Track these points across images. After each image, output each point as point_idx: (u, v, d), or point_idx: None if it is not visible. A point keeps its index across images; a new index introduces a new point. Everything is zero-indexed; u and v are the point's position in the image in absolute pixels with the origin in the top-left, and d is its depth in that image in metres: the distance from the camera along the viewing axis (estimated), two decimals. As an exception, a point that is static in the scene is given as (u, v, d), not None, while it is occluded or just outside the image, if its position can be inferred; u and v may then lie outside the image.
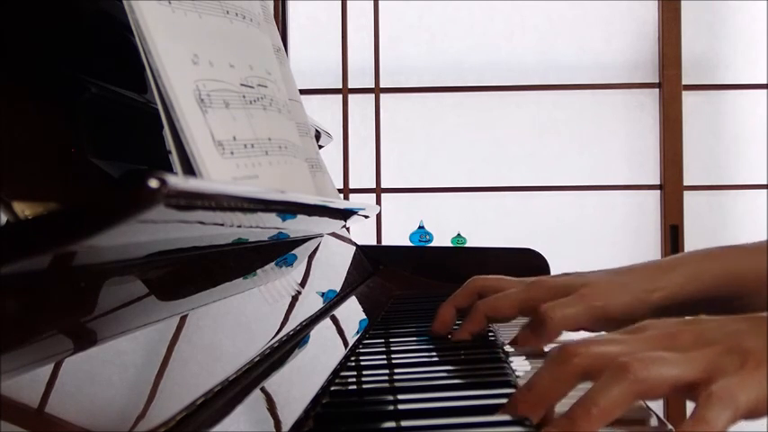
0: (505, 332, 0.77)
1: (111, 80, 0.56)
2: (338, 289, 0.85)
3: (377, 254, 1.22)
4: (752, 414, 0.41)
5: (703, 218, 2.47)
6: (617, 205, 2.49)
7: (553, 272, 1.10)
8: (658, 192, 2.48)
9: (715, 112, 2.49)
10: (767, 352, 0.42)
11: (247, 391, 0.44)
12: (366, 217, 0.93)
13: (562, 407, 0.44)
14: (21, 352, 0.31)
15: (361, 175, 2.47)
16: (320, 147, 1.11)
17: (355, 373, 0.61)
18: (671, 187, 2.44)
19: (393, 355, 0.68)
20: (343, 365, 0.61)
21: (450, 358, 0.65)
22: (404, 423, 0.46)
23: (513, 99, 2.51)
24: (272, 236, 0.63)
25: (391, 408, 0.51)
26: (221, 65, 0.53)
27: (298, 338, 0.60)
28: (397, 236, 2.38)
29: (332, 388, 0.54)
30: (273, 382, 0.49)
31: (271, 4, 2.40)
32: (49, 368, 0.31)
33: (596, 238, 2.47)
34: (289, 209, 0.52)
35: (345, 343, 0.69)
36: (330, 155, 2.07)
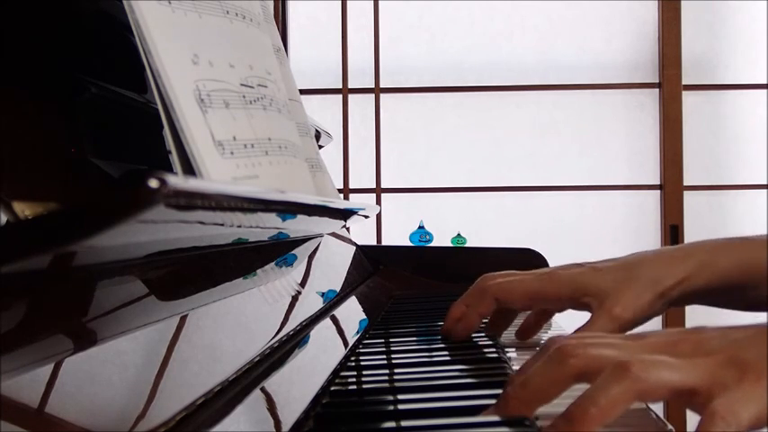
0: (505, 332, 0.77)
1: (111, 80, 0.56)
2: (338, 289, 0.85)
3: (377, 254, 1.22)
4: (753, 428, 0.41)
5: (703, 218, 2.47)
6: (617, 205, 2.50)
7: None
8: (658, 192, 2.48)
9: (715, 112, 2.49)
10: (765, 361, 0.42)
11: (247, 391, 0.44)
12: (366, 217, 0.93)
13: (562, 407, 0.43)
14: (21, 352, 0.31)
15: (361, 175, 2.47)
16: (320, 147, 1.11)
17: (355, 373, 0.61)
18: (671, 187, 2.44)
19: (393, 355, 0.68)
20: (343, 365, 0.61)
21: (449, 358, 0.65)
22: (404, 423, 0.46)
23: (513, 99, 2.51)
24: (272, 236, 0.63)
25: (391, 408, 0.51)
26: (221, 65, 0.53)
27: (298, 338, 0.60)
28: (397, 236, 2.38)
29: (332, 388, 0.54)
30: (273, 382, 0.49)
31: (271, 4, 2.40)
32: (49, 368, 0.31)
33: (596, 238, 2.47)
34: (289, 209, 0.52)
35: (345, 343, 0.69)
36: (330, 155, 2.07)
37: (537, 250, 1.18)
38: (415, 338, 0.78)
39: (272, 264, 0.68)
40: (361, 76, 2.47)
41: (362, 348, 0.70)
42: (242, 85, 0.55)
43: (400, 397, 0.53)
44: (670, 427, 0.49)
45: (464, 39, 2.50)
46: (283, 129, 0.61)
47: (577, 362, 0.44)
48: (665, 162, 2.44)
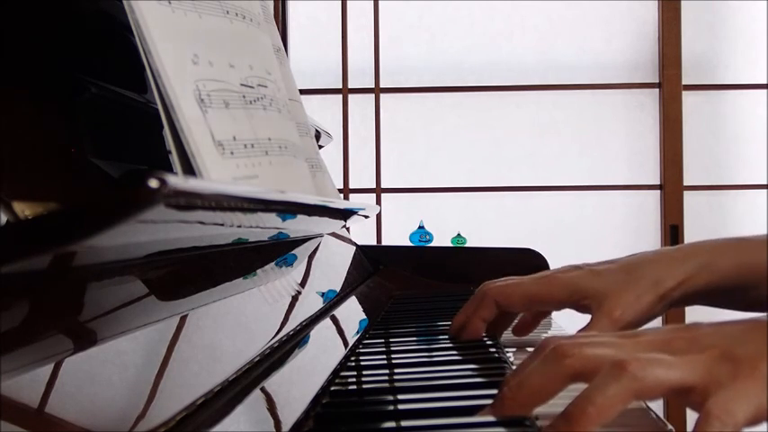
0: (505, 332, 0.77)
1: (111, 80, 0.56)
2: (338, 289, 0.85)
3: (377, 254, 1.22)
4: (750, 424, 0.41)
5: (703, 218, 2.47)
6: (617, 205, 2.50)
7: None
8: (658, 192, 2.48)
9: (715, 112, 2.49)
10: (762, 356, 0.42)
11: (247, 391, 0.44)
12: (366, 217, 0.93)
13: (562, 407, 0.43)
14: (21, 352, 0.31)
15: (361, 175, 2.47)
16: (320, 147, 1.11)
17: (355, 373, 0.61)
18: (671, 187, 2.44)
19: (393, 355, 0.68)
20: (343, 365, 0.61)
21: (449, 358, 0.65)
22: (404, 423, 0.46)
23: (513, 99, 2.51)
24: (272, 236, 0.63)
25: (391, 408, 0.51)
26: (221, 65, 0.53)
27: (298, 338, 0.60)
28: (397, 236, 2.38)
29: (332, 388, 0.54)
30: (273, 382, 0.49)
31: (271, 4, 2.40)
32: (49, 368, 0.31)
33: (596, 238, 2.47)
34: (289, 209, 0.52)
35: (345, 343, 0.69)
36: (330, 155, 2.07)
37: (537, 250, 1.18)
38: (415, 338, 0.78)
39: (272, 264, 0.68)
40: (361, 76, 2.47)
41: (362, 348, 0.70)
42: (242, 85, 0.55)
43: (400, 397, 0.53)
44: (670, 427, 0.50)
45: (464, 39, 2.50)
46: (283, 129, 0.61)
47: (573, 362, 0.44)
48: (665, 162, 2.44)
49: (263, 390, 0.46)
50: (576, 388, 0.43)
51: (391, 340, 0.75)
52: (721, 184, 2.48)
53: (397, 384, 0.56)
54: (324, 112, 2.43)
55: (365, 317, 0.85)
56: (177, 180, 0.29)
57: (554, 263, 1.19)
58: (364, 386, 0.58)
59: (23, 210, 0.37)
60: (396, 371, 0.61)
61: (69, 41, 0.53)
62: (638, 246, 2.46)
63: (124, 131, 0.58)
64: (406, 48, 2.51)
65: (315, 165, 0.79)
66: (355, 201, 1.83)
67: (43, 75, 0.49)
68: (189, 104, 0.47)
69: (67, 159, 0.48)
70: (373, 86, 2.42)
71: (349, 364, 0.63)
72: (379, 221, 2.43)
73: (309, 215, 0.60)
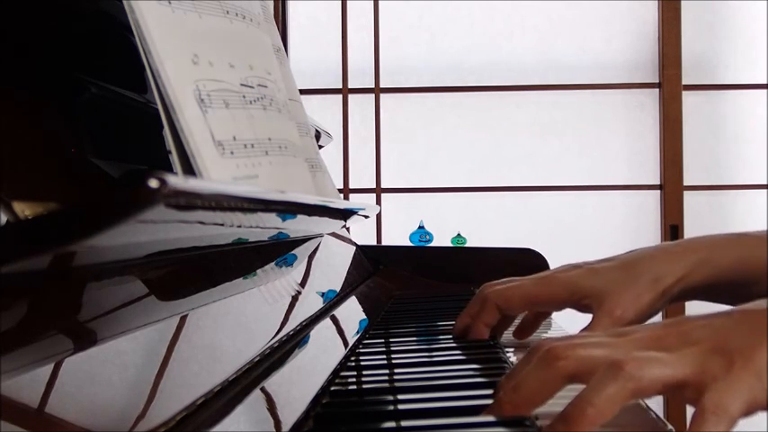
0: (505, 333, 0.77)
1: (111, 80, 0.56)
2: (338, 289, 0.85)
3: (377, 254, 1.22)
4: (746, 414, 0.41)
5: (703, 218, 2.47)
6: (617, 205, 2.49)
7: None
8: (658, 192, 2.48)
9: (715, 112, 2.49)
10: (753, 347, 0.42)
11: (247, 391, 0.44)
12: (366, 217, 0.93)
13: (559, 406, 0.43)
14: (21, 352, 0.31)
15: (361, 175, 2.47)
16: (320, 147, 1.11)
17: (355, 373, 0.61)
18: (671, 187, 2.44)
19: (393, 355, 0.68)
20: (343, 365, 0.61)
21: (449, 358, 0.65)
22: (404, 423, 0.46)
23: (513, 99, 2.51)
24: (272, 236, 0.63)
25: (391, 408, 0.51)
26: (221, 65, 0.53)
27: (298, 338, 0.60)
28: (397, 236, 2.38)
29: (332, 388, 0.54)
30: (273, 382, 0.49)
31: (271, 4, 2.40)
32: (49, 368, 0.31)
33: (596, 238, 2.47)
34: (289, 209, 0.52)
35: (345, 343, 0.69)
36: (330, 155, 2.07)
37: (537, 250, 1.18)
38: (415, 338, 0.78)
39: (272, 264, 0.68)
40: (361, 76, 2.47)
41: (362, 348, 0.70)
42: (242, 85, 0.55)
43: (400, 397, 0.53)
44: (670, 427, 0.50)
45: (464, 39, 2.50)
46: (283, 129, 0.61)
47: (568, 363, 0.44)
48: (665, 162, 2.44)
49: (263, 390, 0.46)
50: (575, 388, 0.43)
51: (391, 340, 0.75)
52: (721, 184, 2.48)
53: (397, 384, 0.56)
54: (324, 112, 2.43)
55: (365, 317, 0.85)
56: (177, 180, 0.29)
57: (554, 263, 1.19)
58: (364, 386, 0.58)
59: (23, 210, 0.37)
60: (396, 371, 0.61)
61: (69, 41, 0.53)
62: (638, 246, 2.45)
63: (124, 131, 0.58)
64: (406, 48, 2.51)
65: (315, 165, 0.79)
66: (355, 201, 1.83)
67: (43, 75, 0.49)
68: (189, 104, 0.47)
69: (67, 159, 0.48)
70: (373, 86, 2.42)
71: (349, 364, 0.63)
72: (379, 221, 2.43)
73: (309, 215, 0.60)
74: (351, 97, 2.43)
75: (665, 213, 2.44)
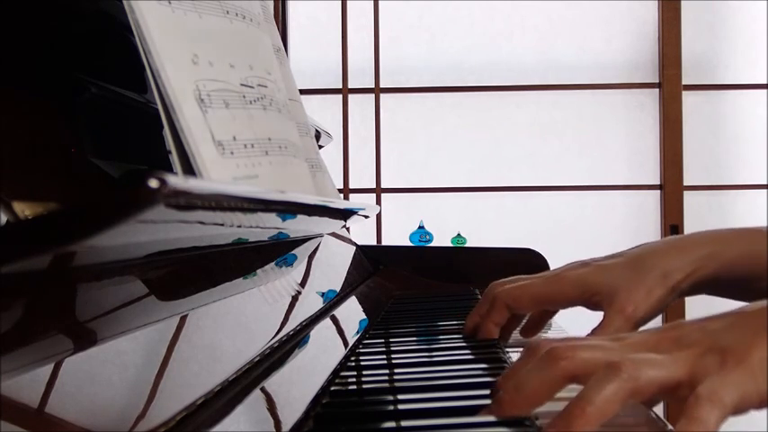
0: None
1: (111, 80, 0.56)
2: (338, 289, 0.85)
3: (377, 254, 1.22)
4: (738, 410, 0.42)
5: (703, 218, 2.47)
6: (617, 205, 2.50)
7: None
8: (658, 192, 2.48)
9: (715, 112, 2.49)
10: (749, 346, 0.42)
11: (247, 391, 0.44)
12: (366, 217, 0.93)
13: (558, 406, 0.44)
14: (21, 352, 0.31)
15: (361, 175, 2.47)
16: (320, 147, 1.11)
17: (355, 373, 0.61)
18: (671, 187, 2.44)
19: (393, 355, 0.68)
20: (343, 365, 0.61)
21: (449, 358, 0.65)
22: (404, 423, 0.46)
23: (513, 99, 2.51)
24: (272, 236, 0.63)
25: (391, 408, 0.51)
26: (221, 65, 0.53)
27: (298, 338, 0.60)
28: (397, 236, 2.38)
29: (332, 388, 0.54)
30: (273, 382, 0.49)
31: (271, 4, 2.40)
32: (49, 368, 0.31)
33: (596, 238, 2.47)
34: (289, 209, 0.52)
35: (345, 343, 0.69)
36: (330, 155, 2.07)
37: (537, 250, 1.18)
38: (415, 338, 0.78)
39: (272, 264, 0.68)
40: (361, 76, 2.47)
41: (362, 348, 0.70)
42: (242, 85, 0.55)
43: (400, 397, 0.53)
44: (670, 427, 0.50)
45: (464, 39, 2.50)
46: (283, 129, 0.61)
47: (568, 364, 0.44)
48: (665, 162, 2.44)
49: (263, 390, 0.46)
50: (575, 388, 0.44)
51: (391, 340, 0.75)
52: (721, 184, 2.48)
53: (397, 384, 0.56)
54: (324, 112, 2.44)
55: (365, 317, 0.85)
56: (177, 180, 0.29)
57: (554, 263, 1.19)
58: (364, 386, 0.58)
59: (23, 210, 0.37)
60: (396, 371, 0.61)
61: (69, 41, 0.53)
62: (638, 246, 2.46)
63: (124, 131, 0.58)
64: (406, 48, 2.51)
65: (315, 165, 0.79)
66: (355, 201, 1.83)
67: (43, 75, 0.49)
68: (189, 104, 0.47)
69: (67, 159, 0.48)
70: (373, 86, 2.42)
71: (349, 364, 0.63)
72: (379, 221, 2.43)
73: (309, 215, 0.60)
74: (351, 97, 2.43)
75: (665, 213, 2.44)
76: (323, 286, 0.79)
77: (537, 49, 2.50)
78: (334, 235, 1.02)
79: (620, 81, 2.48)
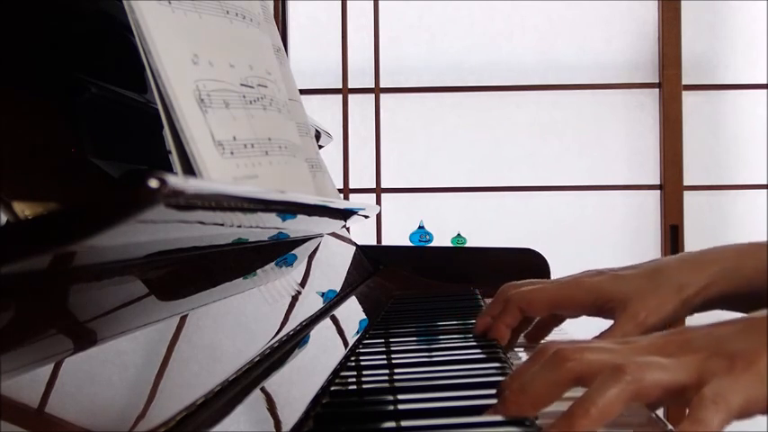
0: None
1: (112, 80, 0.56)
2: (338, 289, 0.85)
3: (377, 254, 1.22)
4: (743, 414, 0.41)
5: (703, 218, 2.47)
6: (617, 205, 2.49)
7: (553, 272, 1.10)
8: (658, 192, 2.48)
9: (715, 112, 2.49)
10: (758, 352, 0.42)
11: (247, 391, 0.44)
12: (366, 217, 0.93)
13: (557, 406, 0.44)
14: (21, 352, 0.31)
15: (361, 175, 2.47)
16: (320, 147, 1.11)
17: (355, 373, 0.61)
18: (671, 187, 2.44)
19: (393, 355, 0.68)
20: (343, 365, 0.61)
21: (449, 358, 0.65)
22: (404, 423, 0.46)
23: (513, 99, 2.51)
24: (272, 236, 0.63)
25: (391, 408, 0.51)
26: (221, 65, 0.53)
27: (298, 338, 0.60)
28: (397, 236, 2.38)
29: (332, 388, 0.54)
30: (273, 382, 0.49)
31: (271, 4, 2.40)
32: (49, 368, 0.31)
33: (596, 238, 2.47)
34: (289, 209, 0.52)
35: (345, 343, 0.69)
36: (330, 155, 2.07)
37: (537, 250, 1.18)
38: (415, 338, 0.78)
39: (272, 264, 0.68)
40: (361, 76, 2.47)
41: (362, 348, 0.70)
42: (242, 85, 0.55)
43: (400, 397, 0.53)
44: (670, 427, 0.50)
45: (464, 39, 2.50)
46: (283, 129, 0.61)
47: (575, 365, 0.44)
48: (665, 162, 2.44)
49: (263, 390, 0.46)
50: (577, 390, 0.44)
51: (391, 340, 0.75)
52: (721, 184, 2.48)
53: (397, 384, 0.56)
54: (324, 112, 2.43)
55: (365, 317, 0.85)
56: (177, 180, 0.29)
57: (554, 263, 1.20)
58: (364, 386, 0.58)
59: (23, 210, 0.37)
60: (396, 371, 0.61)
61: (69, 41, 0.53)
62: (638, 246, 2.47)
63: (124, 131, 0.58)
64: (406, 48, 2.51)
65: (315, 165, 0.79)
66: (355, 201, 1.83)
67: (43, 75, 0.49)
68: (189, 104, 0.47)
69: (67, 159, 0.48)
70: (373, 86, 2.42)
71: (349, 364, 0.63)
72: (379, 221, 2.43)
73: (309, 215, 0.60)
74: (351, 97, 2.43)
75: (665, 213, 2.44)
76: (323, 286, 0.79)
77: (537, 49, 2.50)
78: (334, 235, 1.02)
79: (620, 81, 2.48)
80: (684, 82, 2.44)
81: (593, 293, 0.69)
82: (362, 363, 0.64)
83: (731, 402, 0.41)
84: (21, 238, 0.29)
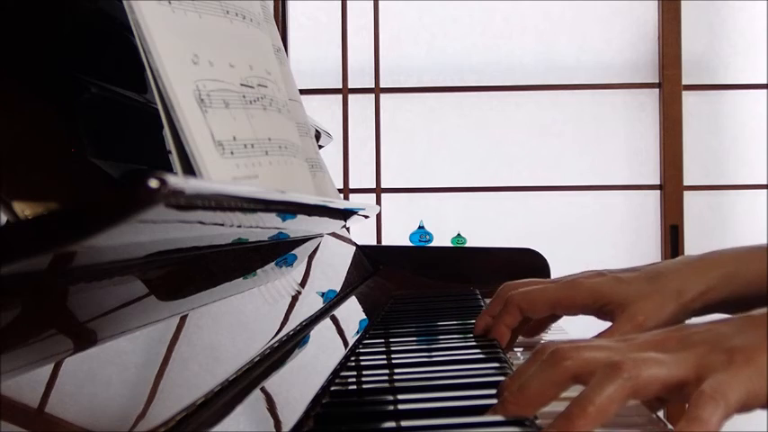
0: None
1: (111, 80, 0.56)
2: (338, 289, 0.85)
3: (377, 254, 1.22)
4: (743, 409, 0.41)
5: (703, 218, 2.47)
6: (617, 205, 2.49)
7: (553, 272, 1.10)
8: (658, 192, 2.48)
9: (715, 112, 2.49)
10: (757, 347, 0.42)
11: (247, 392, 0.44)
12: (366, 217, 0.93)
13: (556, 406, 0.44)
14: (21, 352, 0.31)
15: (361, 175, 2.47)
16: (320, 147, 1.11)
17: (355, 373, 0.61)
18: (671, 187, 2.44)
19: (393, 355, 0.68)
20: (343, 365, 0.61)
21: (449, 358, 0.65)
22: (404, 423, 0.46)
23: (513, 99, 2.51)
24: (272, 236, 0.63)
25: (391, 408, 0.51)
26: (221, 65, 0.53)
27: (298, 338, 0.60)
28: (397, 236, 2.38)
29: (332, 388, 0.54)
30: (273, 382, 0.49)
31: (271, 4, 2.40)
32: (49, 368, 0.31)
33: (596, 238, 2.47)
34: (289, 209, 0.52)
35: (345, 343, 0.69)
36: (330, 155, 2.07)
37: (537, 250, 1.18)
38: (415, 338, 0.78)
39: (272, 264, 0.68)
40: (361, 76, 2.47)
41: (362, 348, 0.70)
42: (242, 85, 0.55)
43: (400, 397, 0.53)
44: (670, 426, 0.50)
45: (464, 39, 2.50)
46: (283, 129, 0.61)
47: (572, 364, 0.44)
48: (665, 162, 2.44)
49: (263, 390, 0.46)
50: (576, 389, 0.44)
51: (391, 340, 0.75)
52: (721, 184, 2.48)
53: (397, 384, 0.56)
54: (324, 112, 2.43)
55: (365, 317, 0.85)
56: (177, 180, 0.29)
57: (554, 263, 1.20)
58: (364, 386, 0.58)
59: (23, 210, 0.37)
60: (396, 371, 0.61)
61: (69, 41, 0.53)
62: (638, 246, 2.47)
63: (124, 131, 0.58)
64: (406, 48, 2.51)
65: (315, 165, 0.79)
66: (355, 201, 1.83)
67: (43, 75, 0.49)
68: (189, 104, 0.47)
69: (67, 159, 0.48)
70: (373, 86, 2.42)
71: (349, 364, 0.63)
72: (379, 221, 2.43)
73: (309, 215, 0.60)
74: (351, 97, 2.43)
75: (665, 213, 2.44)
76: (323, 286, 0.79)
77: (537, 49, 2.50)
78: (334, 235, 1.02)
79: (620, 81, 2.48)
80: (684, 82, 2.44)
81: (593, 295, 0.69)
82: (362, 363, 0.64)
83: (730, 397, 0.41)
84: (21, 238, 0.29)
